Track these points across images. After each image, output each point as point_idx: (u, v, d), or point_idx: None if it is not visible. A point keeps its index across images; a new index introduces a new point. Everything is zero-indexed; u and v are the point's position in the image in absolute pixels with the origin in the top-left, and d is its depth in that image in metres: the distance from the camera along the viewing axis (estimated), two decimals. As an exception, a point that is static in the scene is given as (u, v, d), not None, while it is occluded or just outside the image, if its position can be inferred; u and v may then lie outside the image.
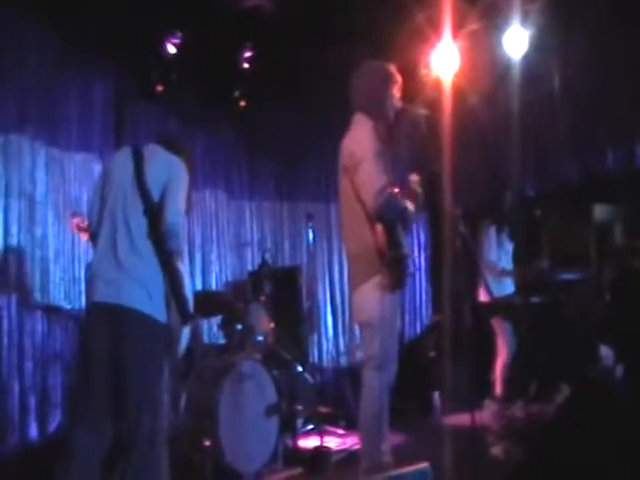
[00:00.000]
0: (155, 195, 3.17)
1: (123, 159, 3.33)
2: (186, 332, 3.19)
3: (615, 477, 2.68)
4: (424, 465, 2.98)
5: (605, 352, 5.20)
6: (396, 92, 3.81)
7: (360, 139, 3.67)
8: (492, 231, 5.98)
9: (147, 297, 3.05)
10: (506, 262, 6.02)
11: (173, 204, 3.14)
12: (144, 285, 3.05)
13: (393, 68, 3.83)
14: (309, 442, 5.37)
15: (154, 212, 3.13)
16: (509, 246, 6.08)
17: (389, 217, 3.58)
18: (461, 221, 3.89)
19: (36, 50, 5.29)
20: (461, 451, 3.86)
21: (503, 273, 5.92)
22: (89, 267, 3.30)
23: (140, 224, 3.14)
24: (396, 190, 3.73)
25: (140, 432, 3.00)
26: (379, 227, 3.56)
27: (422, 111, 3.85)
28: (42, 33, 5.32)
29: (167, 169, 3.24)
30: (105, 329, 3.08)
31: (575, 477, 2.76)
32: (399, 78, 3.82)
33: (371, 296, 3.62)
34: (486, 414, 5.00)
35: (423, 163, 3.96)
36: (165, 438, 3.18)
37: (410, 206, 3.69)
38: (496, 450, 4.10)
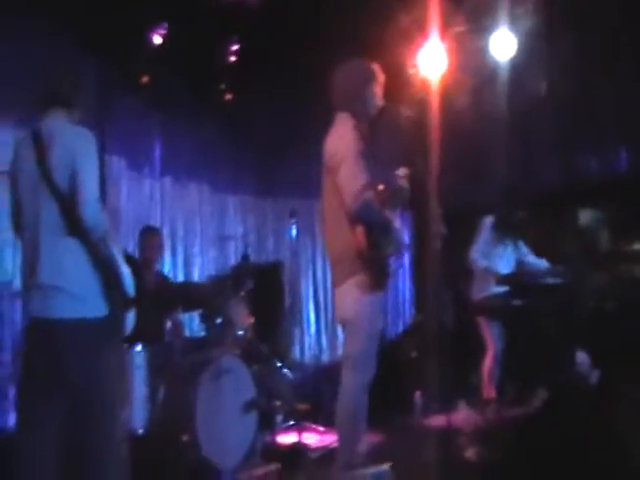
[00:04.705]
0: (65, 186, 2.91)
1: (25, 151, 3.03)
2: (130, 316, 3.08)
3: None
4: (384, 467, 2.98)
5: (581, 358, 5.21)
6: (378, 90, 3.77)
7: (341, 139, 3.65)
8: (485, 227, 5.85)
9: (76, 301, 2.90)
10: (499, 264, 5.80)
11: (86, 195, 2.89)
12: (72, 290, 2.90)
13: (375, 66, 3.79)
14: (288, 438, 5.36)
15: (69, 208, 2.90)
16: (505, 250, 5.87)
17: (367, 219, 3.56)
18: (442, 221, 3.89)
19: (14, 39, 5.22)
20: (435, 453, 3.87)
21: (485, 272, 5.83)
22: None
23: (58, 222, 2.93)
24: (380, 187, 3.73)
25: (103, 434, 2.94)
26: (359, 227, 3.55)
27: (405, 110, 3.83)
28: (21, 21, 5.23)
29: (71, 152, 2.93)
30: (41, 345, 2.95)
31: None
32: (381, 76, 3.78)
33: (351, 296, 3.62)
34: (462, 416, 5.01)
35: (405, 162, 3.94)
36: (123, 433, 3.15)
37: (389, 215, 3.69)
38: (469, 453, 4.09)
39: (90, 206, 2.89)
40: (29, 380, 3.02)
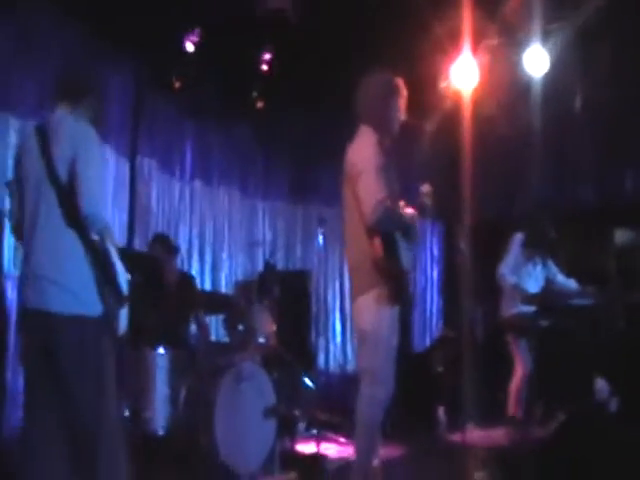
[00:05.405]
0: (66, 179, 2.94)
1: (30, 144, 3.07)
2: (124, 313, 3.06)
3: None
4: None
5: (600, 385, 5.10)
6: (401, 105, 3.76)
7: (363, 151, 3.64)
8: (515, 243, 5.73)
9: (71, 297, 2.91)
10: (528, 282, 5.70)
11: (85, 188, 2.90)
12: (67, 284, 2.91)
13: (399, 80, 3.78)
14: (307, 447, 5.33)
15: (69, 200, 2.92)
16: (534, 268, 5.76)
17: (385, 230, 3.54)
18: (463, 237, 3.86)
19: (55, 42, 5.31)
20: (450, 469, 3.83)
21: (514, 289, 5.75)
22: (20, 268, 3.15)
23: (58, 215, 2.95)
24: (400, 202, 3.72)
25: (95, 433, 2.92)
26: (377, 239, 3.53)
27: (426, 125, 3.81)
28: (62, 25, 5.34)
29: (72, 146, 2.96)
30: (34, 336, 2.98)
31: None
32: (405, 91, 3.77)
33: (368, 309, 3.58)
34: (477, 434, 4.96)
35: (428, 178, 3.93)
36: (120, 429, 3.10)
37: (410, 216, 3.67)
38: (479, 476, 4.03)
39: (88, 197, 2.90)
40: (28, 369, 3.07)
